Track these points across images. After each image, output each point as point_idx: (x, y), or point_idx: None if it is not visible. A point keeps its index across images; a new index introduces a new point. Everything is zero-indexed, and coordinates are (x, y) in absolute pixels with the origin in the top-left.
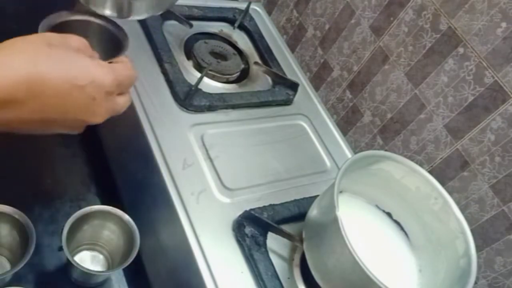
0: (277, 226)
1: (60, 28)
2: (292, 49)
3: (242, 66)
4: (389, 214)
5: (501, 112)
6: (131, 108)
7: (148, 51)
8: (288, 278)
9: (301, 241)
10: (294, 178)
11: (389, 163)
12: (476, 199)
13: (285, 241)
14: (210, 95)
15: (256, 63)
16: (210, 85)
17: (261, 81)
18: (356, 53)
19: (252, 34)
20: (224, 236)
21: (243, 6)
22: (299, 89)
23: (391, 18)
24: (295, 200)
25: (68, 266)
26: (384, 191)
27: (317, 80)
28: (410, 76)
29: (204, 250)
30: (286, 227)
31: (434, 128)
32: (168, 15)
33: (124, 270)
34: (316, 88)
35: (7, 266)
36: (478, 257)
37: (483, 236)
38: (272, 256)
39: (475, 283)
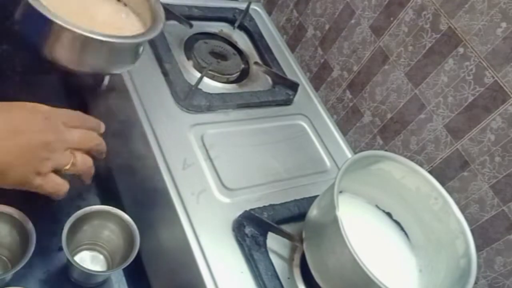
0: (277, 226)
1: None
2: (292, 49)
3: (242, 66)
4: (389, 214)
5: (501, 112)
6: (131, 108)
7: (148, 51)
8: (288, 278)
9: (301, 241)
10: (294, 178)
11: (389, 163)
12: (476, 199)
13: (285, 241)
14: (210, 95)
15: (256, 63)
16: (210, 85)
17: (261, 81)
18: (356, 53)
19: (252, 34)
20: (224, 236)
21: (243, 6)
22: (299, 89)
23: (391, 18)
24: (295, 200)
25: (68, 266)
26: (384, 191)
27: (317, 80)
28: (410, 76)
29: (204, 250)
30: (286, 227)
31: (434, 128)
32: (168, 15)
33: (124, 270)
34: (316, 88)
35: (7, 266)
36: (478, 257)
37: (483, 236)
38: (272, 256)
39: (475, 283)
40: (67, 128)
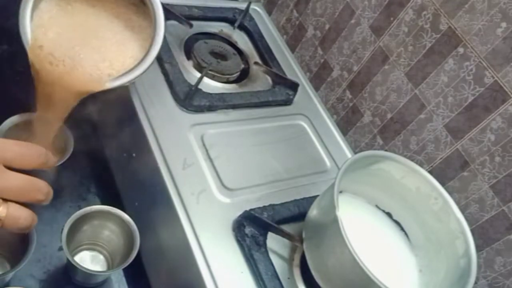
0: (277, 226)
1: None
2: (292, 49)
3: (242, 66)
4: (389, 214)
5: (501, 112)
6: (131, 108)
7: None
8: (288, 278)
9: (301, 241)
10: (294, 178)
11: (389, 163)
12: (476, 199)
13: (285, 241)
14: (210, 95)
15: (256, 63)
16: (210, 85)
17: (261, 81)
18: (356, 53)
19: (252, 34)
20: (224, 236)
21: (243, 6)
22: (299, 89)
23: (391, 18)
24: (295, 200)
25: (68, 266)
26: (384, 191)
27: (317, 80)
28: (410, 76)
29: (204, 250)
30: (286, 227)
31: (434, 128)
32: (168, 15)
33: (124, 270)
34: (316, 88)
35: (7, 266)
36: (478, 257)
37: (483, 236)
38: (272, 256)
39: (475, 283)
40: (3, 170)
